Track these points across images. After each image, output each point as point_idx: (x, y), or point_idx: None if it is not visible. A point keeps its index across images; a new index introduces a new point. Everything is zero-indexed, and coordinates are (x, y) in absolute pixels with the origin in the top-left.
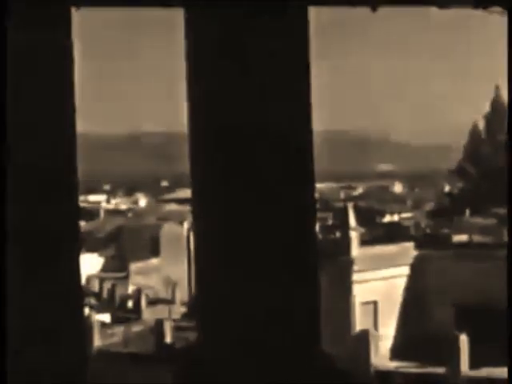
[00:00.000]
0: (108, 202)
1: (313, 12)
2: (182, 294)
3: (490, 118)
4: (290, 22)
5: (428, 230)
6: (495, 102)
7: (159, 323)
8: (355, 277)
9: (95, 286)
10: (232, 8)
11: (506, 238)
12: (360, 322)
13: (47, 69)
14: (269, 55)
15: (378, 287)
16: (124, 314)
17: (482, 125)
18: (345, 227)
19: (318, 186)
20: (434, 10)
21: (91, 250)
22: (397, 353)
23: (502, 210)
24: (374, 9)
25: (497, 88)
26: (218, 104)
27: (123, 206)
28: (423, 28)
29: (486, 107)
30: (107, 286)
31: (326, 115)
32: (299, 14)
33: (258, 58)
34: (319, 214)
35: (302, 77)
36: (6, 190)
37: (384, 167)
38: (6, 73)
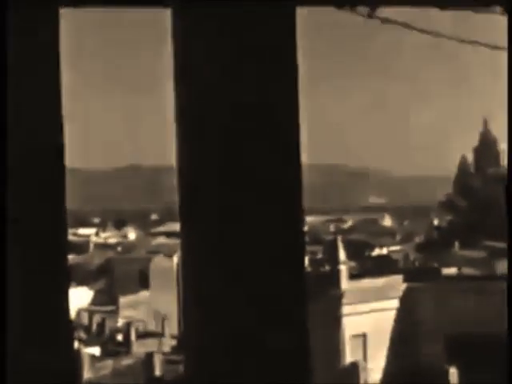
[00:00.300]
0: (97, 235)
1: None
2: (172, 327)
3: (478, 151)
4: (277, 23)
5: (417, 263)
6: (483, 135)
7: (149, 356)
8: (344, 310)
9: (85, 320)
10: (222, 8)
11: (496, 271)
12: (349, 355)
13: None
14: (259, 59)
15: (368, 320)
16: (114, 347)
17: (470, 158)
18: (334, 260)
19: (307, 219)
20: (420, 37)
21: (81, 283)
22: None
23: (492, 243)
24: (370, 15)
25: (485, 121)
26: (209, 142)
27: (112, 240)
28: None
29: (475, 141)
30: (97, 319)
31: (315, 149)
32: (287, 15)
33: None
34: (308, 248)
35: (291, 110)
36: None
37: (373, 200)
38: (6, 73)
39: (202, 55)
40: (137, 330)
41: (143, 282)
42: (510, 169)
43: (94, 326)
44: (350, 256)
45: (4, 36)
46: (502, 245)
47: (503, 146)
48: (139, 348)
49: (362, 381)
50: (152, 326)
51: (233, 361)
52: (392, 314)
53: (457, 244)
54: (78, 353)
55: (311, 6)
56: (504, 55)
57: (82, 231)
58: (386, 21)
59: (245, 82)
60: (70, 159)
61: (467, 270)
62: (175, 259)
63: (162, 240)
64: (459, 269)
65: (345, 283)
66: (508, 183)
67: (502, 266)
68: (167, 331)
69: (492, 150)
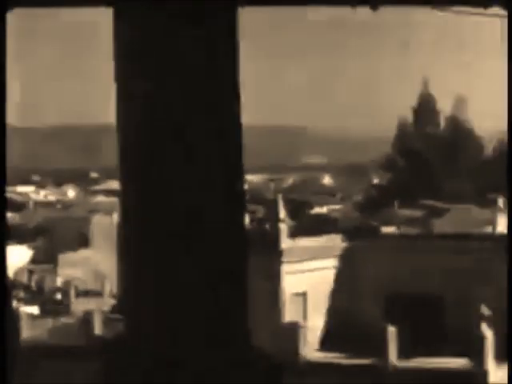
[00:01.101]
0: (37, 193)
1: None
2: (112, 285)
3: (418, 111)
4: (218, 23)
5: (356, 222)
6: (423, 95)
7: (88, 315)
8: (285, 268)
9: (24, 278)
10: (159, 10)
11: (434, 229)
12: (289, 313)
13: None
14: (198, 55)
15: (307, 279)
16: (53, 305)
17: (410, 118)
18: (274, 219)
19: (248, 177)
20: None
21: (20, 241)
22: (326, 344)
23: (430, 202)
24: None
25: (424, 82)
26: (148, 102)
27: (52, 198)
28: (348, 27)
29: (414, 100)
30: (36, 278)
31: (256, 110)
32: (228, 15)
33: (187, 59)
34: (249, 207)
35: (231, 74)
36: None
37: (313, 160)
38: (6, 73)
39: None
40: (76, 289)
41: (83, 241)
42: (510, 157)
43: (33, 285)
44: (290, 215)
45: (4, 36)
46: (439, 204)
47: (442, 106)
48: (79, 307)
49: (301, 339)
50: (92, 285)
51: (172, 319)
52: (332, 273)
53: (396, 203)
54: (16, 311)
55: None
56: (450, 17)
57: (21, 189)
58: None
59: (188, 50)
60: (9, 117)
61: (405, 229)
62: (115, 217)
63: (101, 198)
64: (398, 227)
65: (285, 242)
66: (509, 170)
67: (438, 225)
68: (107, 290)
69: (431, 110)
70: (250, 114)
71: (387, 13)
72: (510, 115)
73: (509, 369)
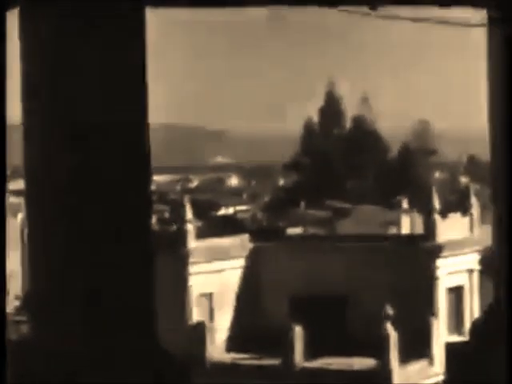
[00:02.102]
0: None
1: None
2: (16, 286)
3: (323, 112)
4: (127, 24)
5: (263, 223)
6: (329, 97)
7: None
8: (191, 269)
9: None
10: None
11: (339, 230)
12: (196, 314)
13: None
14: (106, 56)
15: (214, 279)
16: None
17: (316, 118)
18: (181, 220)
19: (155, 178)
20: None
21: None
22: (232, 345)
23: (336, 203)
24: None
25: (331, 83)
26: (54, 102)
27: None
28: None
29: (321, 101)
30: None
31: (164, 109)
32: (135, 17)
33: (96, 59)
34: (156, 207)
35: (139, 73)
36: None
37: (220, 160)
38: (6, 73)
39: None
40: None
41: None
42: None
43: None
44: (197, 215)
45: (4, 36)
46: (344, 204)
47: (348, 107)
48: None
49: (208, 340)
50: None
51: (80, 321)
52: (239, 273)
53: (302, 204)
54: None
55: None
56: (357, 18)
57: None
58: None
59: (96, 50)
60: None
61: (312, 230)
62: (20, 217)
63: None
64: (304, 228)
65: (192, 242)
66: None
67: (343, 226)
68: (11, 291)
69: (337, 111)
70: (158, 113)
71: (298, 13)
72: (510, 115)
73: (509, 369)
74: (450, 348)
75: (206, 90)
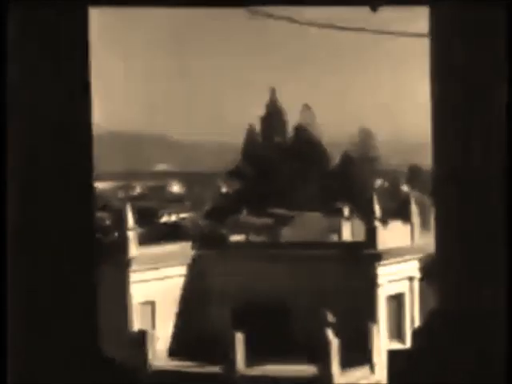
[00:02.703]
0: None
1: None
2: None
3: (265, 120)
4: (69, 23)
5: (205, 230)
6: (271, 105)
7: None
8: (133, 277)
9: None
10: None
11: (281, 237)
12: (138, 323)
13: None
14: (49, 54)
15: (157, 287)
16: None
17: (258, 127)
18: (123, 227)
19: (97, 185)
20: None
21: None
22: (174, 352)
23: (277, 210)
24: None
25: (272, 91)
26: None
27: None
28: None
29: (263, 109)
30: None
31: (107, 115)
32: (79, 16)
33: (33, 59)
34: (97, 215)
35: (81, 76)
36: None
37: (162, 167)
38: (6, 72)
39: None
40: None
41: None
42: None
43: None
44: (138, 223)
45: (4, 35)
46: (286, 212)
47: (290, 115)
48: None
49: (149, 349)
50: None
51: (25, 327)
52: (181, 281)
53: (244, 211)
54: None
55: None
56: (296, 28)
57: None
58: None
59: (33, 50)
60: None
61: (254, 237)
62: None
63: None
64: (247, 236)
65: (133, 250)
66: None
67: (285, 233)
68: None
69: (279, 120)
70: (100, 119)
71: (238, 16)
72: (510, 116)
73: (509, 369)
74: (392, 355)
75: (147, 94)
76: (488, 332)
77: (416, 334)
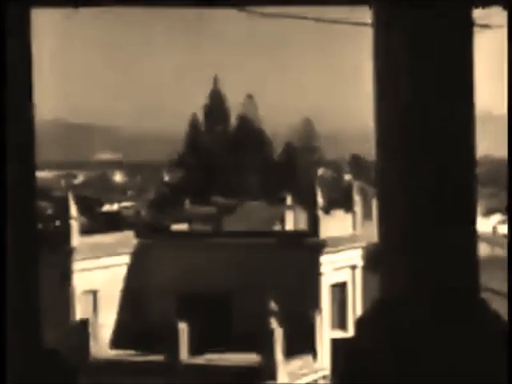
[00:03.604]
0: None
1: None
2: None
3: (208, 110)
4: (12, 23)
5: (148, 220)
6: (213, 94)
7: None
8: (76, 266)
9: None
10: None
11: (224, 227)
12: (80, 311)
13: None
14: None
15: (99, 276)
16: None
17: (201, 116)
18: (65, 216)
19: (39, 174)
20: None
21: None
22: (118, 342)
23: (221, 200)
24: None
25: (215, 79)
26: None
27: None
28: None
29: (205, 98)
30: None
31: (55, 104)
32: (21, 16)
33: None
34: (39, 204)
35: (25, 70)
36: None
37: (104, 156)
38: (6, 72)
39: None
40: None
41: None
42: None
43: None
44: (81, 212)
45: (4, 36)
46: (229, 201)
47: (233, 104)
48: None
49: (92, 337)
50: None
51: None
52: (124, 270)
53: (187, 200)
54: None
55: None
56: (243, 16)
57: None
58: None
59: None
60: None
61: (197, 226)
62: None
63: None
64: (190, 225)
65: (76, 239)
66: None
67: (228, 222)
68: None
69: (221, 109)
70: (44, 109)
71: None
72: (510, 115)
73: (509, 368)
74: (335, 344)
75: (92, 85)
76: (428, 318)
77: (359, 322)
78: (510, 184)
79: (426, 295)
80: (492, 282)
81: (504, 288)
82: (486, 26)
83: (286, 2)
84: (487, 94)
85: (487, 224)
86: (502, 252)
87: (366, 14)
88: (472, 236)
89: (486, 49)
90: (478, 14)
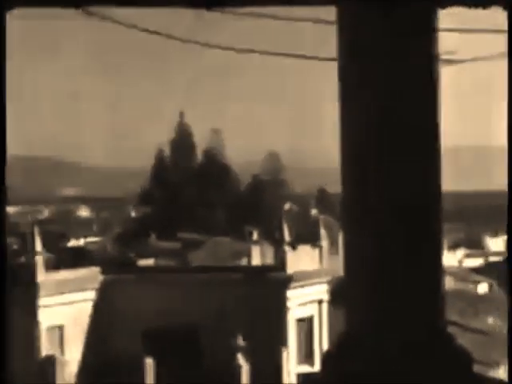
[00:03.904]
0: None
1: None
2: None
3: (174, 144)
4: None
5: (114, 255)
6: (179, 129)
7: None
8: (41, 301)
9: None
10: None
11: (191, 262)
12: (46, 347)
13: None
14: None
15: (65, 311)
16: None
17: (167, 151)
18: (31, 252)
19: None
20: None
21: None
22: (83, 378)
23: (186, 235)
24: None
25: (181, 115)
26: None
27: None
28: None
29: (172, 133)
30: None
31: (16, 139)
32: None
33: None
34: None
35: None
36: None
37: (70, 191)
38: (6, 72)
39: None
40: None
41: None
42: (511, 170)
43: None
44: (46, 247)
45: (4, 36)
46: (195, 236)
47: (199, 139)
48: None
49: (58, 373)
50: None
51: None
52: (89, 306)
53: (153, 235)
54: None
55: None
56: (197, 50)
57: None
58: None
59: None
60: None
61: (162, 262)
62: None
63: None
64: (156, 260)
65: (41, 274)
66: (509, 184)
67: (195, 257)
68: None
69: (187, 144)
70: (10, 144)
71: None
72: (511, 122)
73: (509, 369)
74: (302, 379)
75: (54, 119)
76: (395, 352)
77: (325, 357)
78: (510, 193)
79: (392, 330)
80: (455, 315)
81: (468, 322)
82: (450, 62)
83: (252, 3)
84: (452, 128)
85: (452, 258)
86: (465, 286)
87: (332, 14)
88: (438, 270)
89: (450, 83)
90: (443, 48)
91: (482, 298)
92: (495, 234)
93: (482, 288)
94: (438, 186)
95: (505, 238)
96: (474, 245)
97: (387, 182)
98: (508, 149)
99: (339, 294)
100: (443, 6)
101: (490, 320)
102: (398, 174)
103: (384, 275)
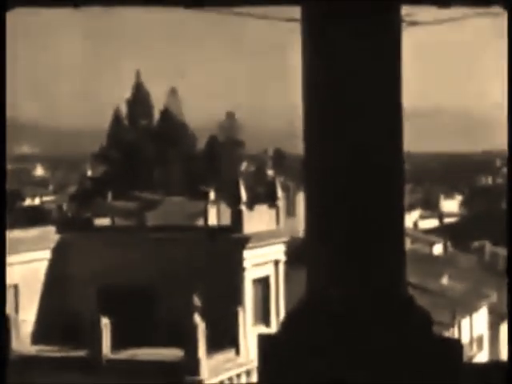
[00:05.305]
0: None
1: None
2: None
3: (131, 103)
4: None
5: (70, 214)
6: (137, 87)
7: None
8: None
9: None
10: None
11: (147, 221)
12: None
13: None
14: None
15: (19, 271)
16: None
17: (124, 110)
18: None
19: None
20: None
21: None
22: (39, 337)
23: (143, 194)
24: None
25: (137, 73)
26: None
27: None
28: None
29: (128, 92)
30: None
31: None
32: None
33: None
34: None
35: None
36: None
37: (25, 150)
38: (5, 72)
39: None
40: None
41: None
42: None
43: None
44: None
45: (4, 36)
46: (152, 196)
47: (156, 98)
48: None
49: (13, 332)
50: None
51: None
52: (45, 265)
53: (110, 195)
54: None
55: None
56: (165, 10)
57: None
58: None
59: None
60: None
61: (120, 221)
62: None
63: None
64: (112, 220)
65: None
66: (509, 184)
67: (151, 217)
68: None
69: (145, 103)
70: None
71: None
72: (511, 112)
73: (509, 368)
74: (262, 339)
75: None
76: (355, 316)
77: (285, 318)
78: (510, 194)
79: (353, 291)
80: (411, 276)
81: (423, 282)
82: (414, 23)
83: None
84: (413, 91)
85: (408, 219)
86: (421, 247)
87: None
88: (399, 232)
89: (414, 45)
90: (405, 11)
91: (437, 258)
92: (451, 196)
93: (437, 249)
94: (400, 147)
95: (460, 198)
96: (430, 206)
97: (349, 142)
98: (508, 149)
99: (297, 255)
100: (442, 6)
101: (445, 280)
102: (360, 134)
103: (347, 236)
